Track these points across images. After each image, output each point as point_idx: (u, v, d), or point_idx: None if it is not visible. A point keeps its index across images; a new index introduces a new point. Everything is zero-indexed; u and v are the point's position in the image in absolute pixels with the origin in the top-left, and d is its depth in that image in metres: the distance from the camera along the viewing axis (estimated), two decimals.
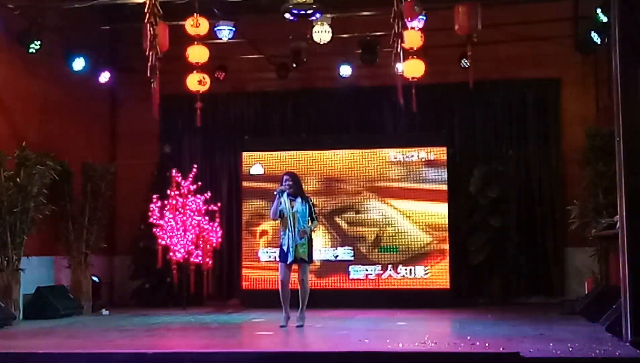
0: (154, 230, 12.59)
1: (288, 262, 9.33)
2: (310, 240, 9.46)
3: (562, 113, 13.42)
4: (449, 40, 11.45)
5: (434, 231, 12.61)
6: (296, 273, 9.43)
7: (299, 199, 9.43)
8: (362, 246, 12.81)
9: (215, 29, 11.30)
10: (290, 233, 9.30)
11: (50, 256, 12.17)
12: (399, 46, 8.31)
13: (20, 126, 11.63)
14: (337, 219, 12.90)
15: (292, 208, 9.36)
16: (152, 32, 8.51)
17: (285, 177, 9.57)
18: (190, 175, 12.86)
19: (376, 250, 12.76)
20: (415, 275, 12.59)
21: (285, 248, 9.33)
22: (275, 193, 9.49)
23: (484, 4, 10.50)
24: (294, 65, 12.96)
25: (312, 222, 9.46)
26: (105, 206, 12.61)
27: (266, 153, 13.20)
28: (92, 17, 12.45)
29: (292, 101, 14.16)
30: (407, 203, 12.73)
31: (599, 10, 10.74)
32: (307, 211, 9.43)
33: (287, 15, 9.92)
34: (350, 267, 12.79)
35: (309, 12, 9.89)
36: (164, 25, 9.61)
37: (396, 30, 8.27)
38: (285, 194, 9.41)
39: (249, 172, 13.19)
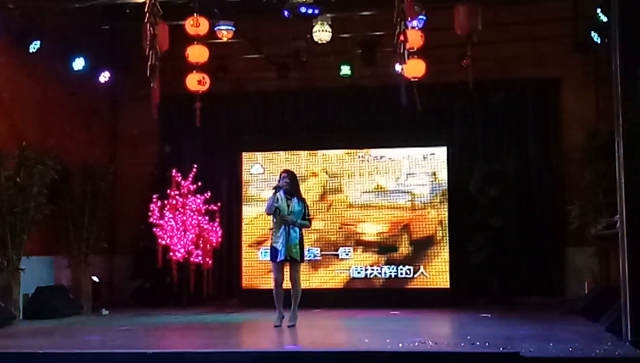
0: (154, 229, 12.60)
1: (279, 261, 9.35)
2: (301, 240, 9.47)
3: (562, 113, 13.41)
4: (449, 40, 11.44)
5: (433, 231, 12.61)
6: (287, 272, 9.45)
7: (295, 199, 9.45)
8: (362, 246, 12.80)
9: (215, 29, 11.30)
10: (285, 232, 9.31)
11: (50, 256, 12.17)
12: (404, 45, 8.29)
13: (20, 126, 11.63)
14: (337, 219, 12.89)
15: (289, 206, 9.38)
16: (152, 32, 8.51)
17: (283, 175, 9.60)
18: (190, 175, 12.87)
19: (376, 250, 12.76)
20: (415, 274, 12.60)
21: (278, 246, 9.33)
22: (272, 188, 9.51)
23: (484, 4, 10.50)
24: (293, 65, 12.98)
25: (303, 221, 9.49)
26: (105, 206, 12.61)
27: (266, 152, 13.20)
28: (92, 17, 12.44)
29: (292, 101, 14.15)
30: (407, 203, 12.74)
31: (599, 10, 10.74)
32: (302, 211, 9.45)
33: (286, 13, 9.95)
34: (351, 267, 12.79)
35: (308, 8, 9.91)
36: (164, 25, 9.63)
37: (399, 30, 8.25)
38: (282, 193, 9.42)
39: (249, 172, 13.20)
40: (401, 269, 12.66)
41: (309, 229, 9.89)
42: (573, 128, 12.99)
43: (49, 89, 12.32)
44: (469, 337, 7.95)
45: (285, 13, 10.13)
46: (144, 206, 13.02)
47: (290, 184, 9.49)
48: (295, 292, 9.42)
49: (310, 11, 10.19)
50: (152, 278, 13.28)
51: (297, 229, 9.40)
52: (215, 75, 12.66)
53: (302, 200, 9.54)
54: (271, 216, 9.49)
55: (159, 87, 8.81)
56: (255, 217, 12.97)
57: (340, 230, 12.88)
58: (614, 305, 8.39)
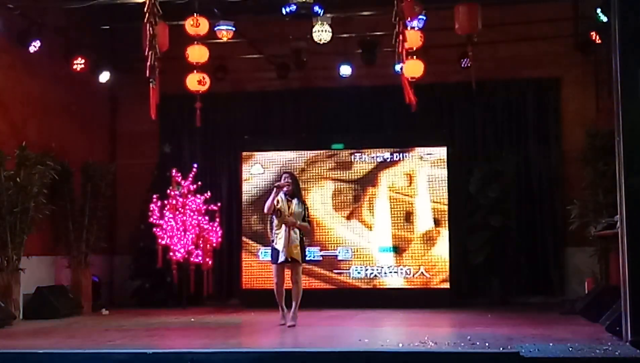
0: (154, 229, 12.60)
1: (279, 262, 9.36)
2: (302, 241, 9.48)
3: (562, 113, 13.41)
4: (449, 40, 11.44)
5: (433, 231, 12.61)
6: (288, 273, 9.47)
7: (295, 200, 9.46)
8: (362, 246, 12.80)
9: (215, 29, 11.30)
10: (285, 233, 9.31)
11: (50, 256, 12.17)
12: (402, 45, 8.29)
13: (20, 126, 11.63)
14: (338, 219, 12.89)
15: (289, 208, 9.39)
16: (151, 32, 8.51)
17: (284, 175, 9.62)
18: (190, 175, 12.87)
19: (376, 250, 12.76)
20: (415, 274, 12.60)
21: (279, 247, 9.34)
22: (274, 185, 9.51)
23: (484, 4, 10.50)
24: (293, 65, 12.98)
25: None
26: (105, 206, 12.62)
27: (266, 153, 13.21)
28: (92, 17, 12.44)
29: (292, 101, 14.15)
30: (407, 203, 12.73)
31: (599, 10, 10.74)
32: (303, 213, 9.47)
33: (285, 11, 9.96)
34: (351, 267, 12.79)
35: (306, 11, 9.91)
36: (163, 25, 9.64)
37: (398, 30, 8.25)
38: (282, 194, 9.43)
39: (249, 172, 13.20)
40: (401, 269, 12.66)
41: (309, 230, 9.89)
42: (573, 128, 13.00)
43: (49, 89, 12.31)
44: (469, 337, 7.94)
45: (293, 8, 10.08)
46: (144, 206, 13.03)
47: (291, 185, 9.50)
48: (297, 293, 9.43)
49: (316, 9, 10.17)
50: (152, 278, 13.27)
51: (297, 230, 9.41)
52: (215, 75, 12.67)
53: (302, 202, 9.56)
54: (271, 215, 9.51)
55: (159, 87, 8.81)
56: (254, 216, 12.98)
57: (340, 229, 12.87)
58: (614, 305, 8.39)
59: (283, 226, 9.34)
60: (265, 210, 9.52)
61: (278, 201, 9.38)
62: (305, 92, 14.04)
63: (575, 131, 12.76)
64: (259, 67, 13.64)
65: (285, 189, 9.44)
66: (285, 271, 9.48)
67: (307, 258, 9.82)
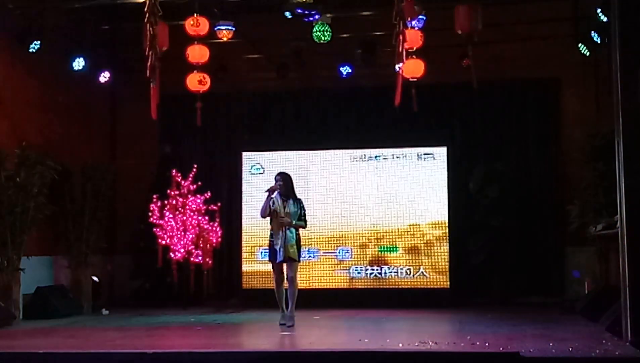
0: (154, 229, 12.60)
1: (277, 261, 9.42)
2: (298, 240, 9.52)
3: (562, 113, 13.41)
4: (449, 40, 11.44)
5: (433, 231, 12.61)
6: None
7: (290, 200, 9.51)
8: (362, 246, 12.80)
9: (215, 29, 11.30)
10: (282, 233, 9.35)
11: (50, 256, 12.18)
12: (402, 45, 8.29)
13: (20, 125, 11.63)
14: (337, 219, 12.89)
15: (285, 208, 9.43)
16: (151, 32, 8.51)
17: (277, 177, 9.65)
18: (190, 175, 12.87)
19: (376, 250, 12.77)
20: (415, 274, 12.60)
21: (276, 247, 9.40)
22: (265, 191, 9.54)
23: (484, 4, 10.50)
24: (293, 65, 12.98)
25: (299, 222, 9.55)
26: (105, 206, 12.62)
27: (266, 152, 13.21)
28: (92, 17, 12.44)
29: (292, 101, 14.15)
30: (407, 203, 12.73)
31: (599, 10, 10.74)
32: (298, 212, 9.50)
33: (287, 14, 9.96)
34: (351, 267, 12.79)
35: (308, 12, 9.90)
36: (163, 25, 9.63)
37: (398, 30, 8.26)
38: (277, 194, 9.46)
39: (249, 172, 13.20)
40: (401, 269, 12.66)
41: (308, 229, 9.92)
42: (573, 128, 13.00)
43: (49, 89, 12.31)
44: (469, 337, 7.95)
45: (314, 12, 10.10)
46: (144, 206, 13.02)
47: (284, 186, 9.53)
48: (292, 291, 9.46)
49: (307, 12, 10.18)
50: (152, 278, 13.29)
51: (292, 229, 9.46)
52: (215, 75, 12.66)
53: (297, 201, 9.62)
54: (267, 218, 9.54)
55: (159, 87, 8.81)
56: (254, 216, 12.97)
57: (340, 229, 12.88)
58: (614, 305, 8.40)
59: (279, 226, 9.38)
60: (261, 214, 9.56)
61: (273, 202, 9.44)
62: (305, 92, 14.04)
63: (575, 131, 12.76)
64: (259, 67, 13.63)
65: (277, 190, 9.49)
66: (283, 271, 9.51)
67: (306, 258, 9.84)
